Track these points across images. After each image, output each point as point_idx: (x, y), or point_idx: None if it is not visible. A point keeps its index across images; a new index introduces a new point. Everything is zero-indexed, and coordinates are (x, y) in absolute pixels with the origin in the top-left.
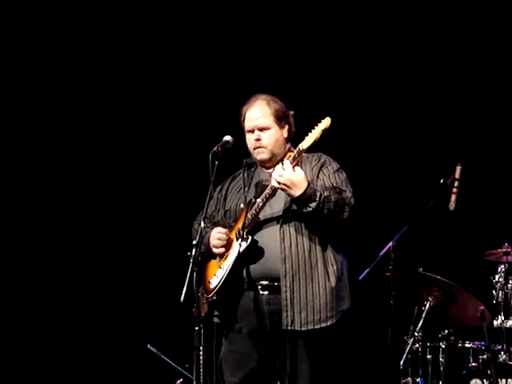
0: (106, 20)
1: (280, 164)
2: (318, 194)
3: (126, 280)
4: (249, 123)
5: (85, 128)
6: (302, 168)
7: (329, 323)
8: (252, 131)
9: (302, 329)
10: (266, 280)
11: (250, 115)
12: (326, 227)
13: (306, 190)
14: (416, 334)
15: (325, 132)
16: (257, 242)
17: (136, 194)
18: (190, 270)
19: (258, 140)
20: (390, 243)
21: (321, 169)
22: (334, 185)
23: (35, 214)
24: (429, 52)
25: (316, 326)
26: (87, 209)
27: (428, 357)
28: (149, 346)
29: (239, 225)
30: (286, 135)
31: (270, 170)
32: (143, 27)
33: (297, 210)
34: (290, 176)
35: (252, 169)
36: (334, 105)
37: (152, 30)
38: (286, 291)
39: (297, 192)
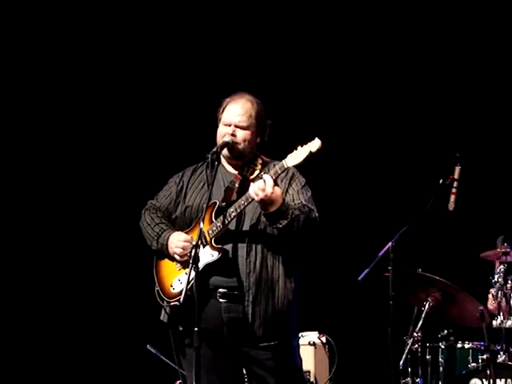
0: (103, 20)
1: (261, 177)
2: (290, 211)
3: (125, 280)
4: (228, 117)
5: (83, 128)
6: None
7: (285, 339)
8: (229, 125)
9: (260, 344)
10: (227, 288)
11: (232, 109)
12: (289, 244)
13: (280, 207)
14: (415, 334)
15: (312, 155)
16: (228, 252)
17: (136, 194)
18: (189, 270)
19: (232, 135)
20: (389, 243)
21: (290, 183)
22: (303, 202)
23: (34, 215)
24: (428, 52)
25: (274, 342)
26: (86, 209)
27: (427, 357)
28: (148, 346)
29: (203, 227)
30: (258, 141)
31: (234, 171)
32: (138, 27)
33: (264, 226)
34: (271, 192)
35: (215, 164)
36: (332, 104)
37: (149, 29)
38: (248, 305)
39: (271, 208)
